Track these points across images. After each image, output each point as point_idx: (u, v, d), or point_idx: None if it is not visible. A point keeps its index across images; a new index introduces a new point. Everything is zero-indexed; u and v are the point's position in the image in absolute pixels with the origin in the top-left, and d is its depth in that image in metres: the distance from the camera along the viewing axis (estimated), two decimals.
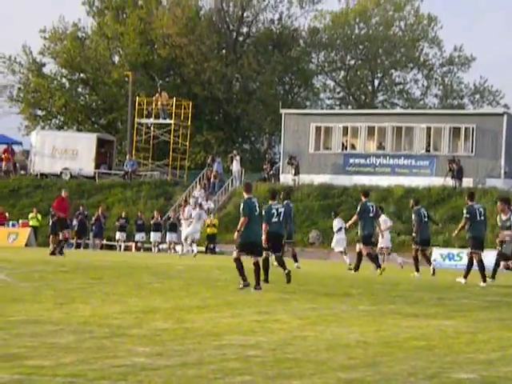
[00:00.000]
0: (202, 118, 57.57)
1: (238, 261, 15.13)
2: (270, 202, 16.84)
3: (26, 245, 41.28)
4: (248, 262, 15.40)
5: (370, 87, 65.16)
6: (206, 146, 60.23)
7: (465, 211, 18.61)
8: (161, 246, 41.05)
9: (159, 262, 25.11)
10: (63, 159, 47.93)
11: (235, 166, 47.00)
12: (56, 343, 7.91)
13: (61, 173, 47.84)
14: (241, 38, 62.58)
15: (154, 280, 16.62)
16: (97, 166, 48.11)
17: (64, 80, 61.25)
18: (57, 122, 61.82)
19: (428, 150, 43.07)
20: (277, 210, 16.62)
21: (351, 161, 44.10)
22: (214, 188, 46.28)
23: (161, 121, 49.49)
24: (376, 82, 65.21)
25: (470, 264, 18.82)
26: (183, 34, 57.71)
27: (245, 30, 62.43)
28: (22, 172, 49.34)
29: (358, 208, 21.44)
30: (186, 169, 49.85)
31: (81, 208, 41.59)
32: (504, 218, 18.66)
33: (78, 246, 41.00)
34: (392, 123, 43.54)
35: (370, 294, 14.92)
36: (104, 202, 45.47)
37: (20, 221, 42.94)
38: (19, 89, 60.20)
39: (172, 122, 48.84)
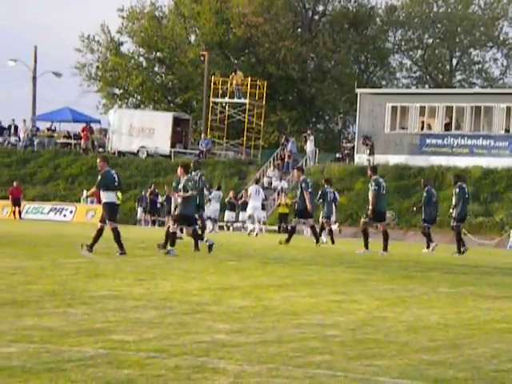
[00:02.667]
0: (276, 98, 57.51)
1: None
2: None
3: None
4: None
5: (447, 66, 64.10)
6: (279, 126, 60.17)
7: (373, 184, 20.86)
8: (235, 225, 41.27)
9: (234, 241, 25.26)
10: (140, 138, 48.49)
11: (309, 146, 46.86)
12: (138, 318, 8.03)
13: (138, 151, 48.43)
14: (316, 17, 62.19)
15: (231, 258, 16.74)
16: (173, 145, 48.53)
17: (141, 59, 61.88)
18: (134, 100, 62.56)
19: (507, 131, 42.20)
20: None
21: (428, 141, 43.52)
22: (287, 168, 46.25)
23: (235, 100, 49.61)
24: (454, 61, 64.12)
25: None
26: (259, 13, 57.62)
27: (321, 8, 62.03)
28: (100, 150, 50.10)
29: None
30: (260, 148, 49.93)
31: (152, 186, 42.10)
32: None
33: (153, 223, 41.55)
34: (470, 103, 42.76)
35: (450, 276, 14.75)
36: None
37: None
38: (97, 67, 61.03)
39: (247, 101, 48.92)
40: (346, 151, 46.68)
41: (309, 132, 48.31)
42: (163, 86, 62.23)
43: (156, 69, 62.65)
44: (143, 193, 42.76)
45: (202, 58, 54.67)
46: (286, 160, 46.59)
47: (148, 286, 10.78)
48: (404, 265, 17.47)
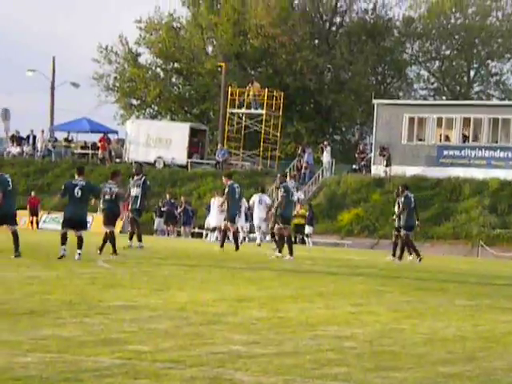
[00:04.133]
0: (293, 109, 57.55)
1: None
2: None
3: (121, 231, 42.14)
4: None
5: (465, 78, 63.96)
6: (296, 137, 60.19)
7: (282, 190, 20.99)
8: (251, 235, 41.25)
9: (249, 251, 25.25)
10: (157, 148, 48.64)
11: (326, 157, 46.84)
12: (154, 329, 8.03)
13: (154, 161, 48.56)
14: (334, 28, 62.26)
15: (247, 269, 16.72)
16: (189, 156, 48.65)
17: (158, 70, 62.12)
18: (151, 111, 62.79)
19: None
20: None
21: (445, 152, 43.40)
22: (304, 178, 46.24)
23: (252, 111, 49.70)
24: (472, 73, 63.97)
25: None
26: (276, 25, 57.75)
27: (338, 19, 62.09)
28: (118, 160, 50.27)
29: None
30: (277, 159, 49.95)
31: (167, 196, 42.18)
32: None
33: (168, 234, 41.60)
34: (488, 115, 42.64)
35: (466, 288, 14.67)
36: (196, 190, 45.99)
37: None
38: (115, 78, 61.33)
39: (263, 112, 48.98)
40: (362, 162, 46.63)
41: (325, 143, 48.30)
42: (180, 96, 62.43)
43: (173, 80, 62.87)
44: (160, 203, 42.86)
45: (219, 69, 54.84)
46: (302, 171, 46.59)
47: (164, 297, 10.79)
48: (421, 276, 17.40)
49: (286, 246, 20.92)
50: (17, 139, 52.04)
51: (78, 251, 16.53)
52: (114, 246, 18.30)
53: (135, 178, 21.71)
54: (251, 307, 10.17)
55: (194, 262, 17.82)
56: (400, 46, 62.20)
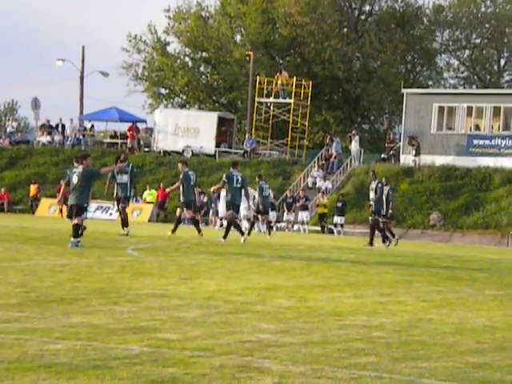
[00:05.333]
0: (321, 98, 57.36)
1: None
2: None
3: (149, 220, 42.34)
4: None
5: (495, 66, 63.35)
6: (324, 126, 60.00)
7: (224, 177, 21.65)
8: (278, 225, 41.25)
9: (278, 241, 25.26)
10: (185, 137, 48.70)
11: (354, 146, 46.66)
12: (183, 317, 8.06)
13: (183, 150, 48.64)
14: (363, 17, 61.91)
15: (275, 258, 16.73)
16: (217, 145, 48.66)
17: (187, 59, 62.14)
18: (179, 100, 62.87)
19: None
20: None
21: (475, 142, 43.05)
22: (332, 168, 46.10)
23: (280, 100, 49.58)
24: (502, 62, 63.34)
25: None
26: (305, 13, 57.53)
27: (367, 8, 61.73)
28: (146, 149, 50.44)
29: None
30: (305, 148, 49.83)
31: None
32: None
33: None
34: None
35: (496, 278, 14.57)
36: None
37: (143, 196, 44.02)
38: (144, 67, 61.46)
39: (291, 101, 48.86)
40: (391, 152, 46.40)
41: (354, 132, 48.10)
42: (208, 85, 62.44)
43: (201, 69, 62.87)
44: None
45: (248, 58, 54.75)
46: (330, 160, 46.44)
47: (192, 285, 10.83)
48: (450, 266, 17.31)
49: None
50: (47, 128, 52.37)
51: (72, 239, 16.24)
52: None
53: (119, 165, 21.60)
54: (279, 296, 10.18)
55: (222, 251, 17.85)
56: (430, 35, 61.71)
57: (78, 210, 16.62)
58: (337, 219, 39.63)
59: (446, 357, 6.73)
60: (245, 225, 33.03)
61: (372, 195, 25.20)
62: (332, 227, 39.98)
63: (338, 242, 26.95)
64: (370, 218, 25.11)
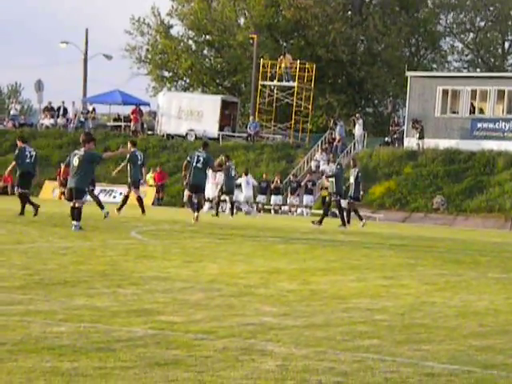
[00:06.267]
0: (325, 81, 57.21)
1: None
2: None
3: (153, 203, 42.35)
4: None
5: (499, 50, 63.11)
6: (328, 109, 59.86)
7: (188, 157, 21.69)
8: (282, 208, 41.28)
9: (282, 224, 25.28)
10: (189, 120, 48.62)
11: (358, 130, 46.58)
12: (186, 300, 8.08)
13: (186, 134, 48.60)
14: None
15: (278, 241, 16.75)
16: (221, 128, 48.60)
17: (190, 42, 61.96)
18: (183, 83, 62.75)
19: None
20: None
21: (479, 125, 42.95)
22: (335, 151, 46.03)
23: (284, 83, 49.46)
24: (506, 45, 63.10)
25: None
26: None
27: None
28: (150, 132, 50.38)
29: None
30: (308, 132, 49.75)
31: None
32: None
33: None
34: None
35: (499, 262, 14.57)
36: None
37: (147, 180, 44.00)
38: (147, 50, 61.31)
39: (295, 84, 48.75)
40: (395, 135, 46.33)
41: (357, 115, 47.99)
42: (212, 68, 62.29)
43: (205, 52, 62.70)
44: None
45: (251, 41, 54.56)
46: (334, 144, 46.39)
47: (196, 268, 10.84)
48: (453, 250, 17.31)
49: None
50: (49, 111, 52.32)
51: (75, 223, 16.19)
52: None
53: (121, 150, 22.25)
54: (282, 279, 10.20)
55: (226, 235, 17.87)
56: (434, 18, 61.45)
57: (77, 194, 16.58)
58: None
59: (448, 340, 6.75)
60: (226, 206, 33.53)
61: (352, 180, 25.98)
62: (334, 210, 39.99)
63: (339, 226, 26.90)
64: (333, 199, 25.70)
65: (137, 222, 20.28)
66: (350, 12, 60.78)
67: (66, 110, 52.47)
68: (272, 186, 41.44)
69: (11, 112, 54.79)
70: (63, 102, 53.00)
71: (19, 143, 21.14)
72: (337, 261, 13.25)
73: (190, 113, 48.61)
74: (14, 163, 20.91)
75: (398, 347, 6.35)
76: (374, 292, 9.51)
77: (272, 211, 41.08)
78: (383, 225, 33.13)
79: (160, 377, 5.06)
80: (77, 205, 16.45)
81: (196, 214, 21.04)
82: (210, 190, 31.80)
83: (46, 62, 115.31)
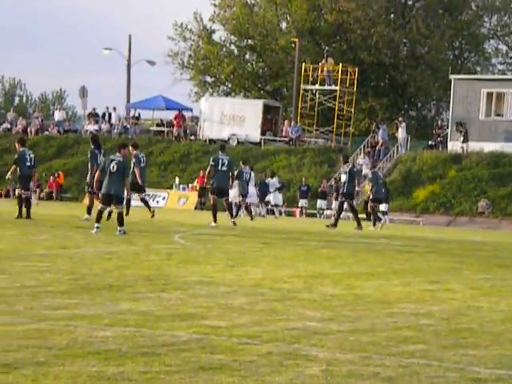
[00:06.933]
0: (367, 84, 56.98)
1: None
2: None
3: (195, 208, 42.54)
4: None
5: None
6: (370, 113, 59.60)
7: (211, 160, 22.25)
8: (326, 213, 41.18)
9: (325, 228, 25.21)
10: (231, 125, 48.76)
11: (401, 133, 46.30)
12: (230, 304, 8.08)
13: (228, 138, 48.74)
14: (410, 2, 61.29)
15: (322, 246, 16.69)
16: (263, 133, 48.65)
17: (232, 47, 62.16)
18: (225, 88, 62.94)
19: None
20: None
21: None
22: (378, 155, 45.82)
23: (326, 87, 49.37)
24: None
25: None
26: None
27: None
28: (192, 137, 50.63)
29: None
30: (351, 135, 49.58)
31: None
32: None
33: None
34: None
35: None
36: (269, 167, 46.03)
37: (190, 185, 44.23)
38: (190, 56, 61.60)
39: (337, 88, 48.62)
40: (439, 138, 45.96)
41: (400, 119, 47.72)
42: (254, 73, 62.38)
43: (247, 56, 62.83)
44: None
45: (293, 45, 54.56)
46: (377, 147, 46.16)
47: (239, 273, 10.85)
48: (499, 254, 17.11)
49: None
50: (94, 117, 52.83)
51: (119, 228, 16.39)
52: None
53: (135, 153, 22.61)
54: (326, 284, 10.16)
55: (268, 239, 17.86)
56: (478, 20, 60.90)
57: (117, 200, 16.77)
58: (381, 207, 39.43)
59: (495, 344, 6.66)
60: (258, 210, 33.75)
61: (344, 178, 25.51)
62: (380, 215, 39.81)
63: (383, 230, 26.80)
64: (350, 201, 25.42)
65: (179, 227, 20.37)
66: (392, 15, 60.48)
67: (110, 116, 52.95)
68: (319, 190, 41.43)
69: (56, 118, 55.42)
70: (107, 108, 53.51)
71: (18, 147, 21.36)
72: (381, 265, 13.17)
73: (232, 118, 48.74)
74: (14, 166, 21.07)
75: (444, 352, 6.29)
76: (418, 297, 9.43)
77: (317, 215, 41.02)
78: (427, 229, 32.87)
79: (205, 381, 5.07)
80: (118, 210, 16.58)
81: (233, 219, 21.40)
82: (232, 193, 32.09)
83: (90, 69, 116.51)
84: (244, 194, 28.46)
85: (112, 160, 16.85)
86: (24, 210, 20.48)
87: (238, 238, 17.79)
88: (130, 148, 23.19)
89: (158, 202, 43.59)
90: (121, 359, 5.49)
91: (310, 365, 5.62)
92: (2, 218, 20.85)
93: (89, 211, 20.94)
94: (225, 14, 60.81)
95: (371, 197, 26.60)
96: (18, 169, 20.87)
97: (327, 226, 25.11)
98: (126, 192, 17.83)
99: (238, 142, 48.59)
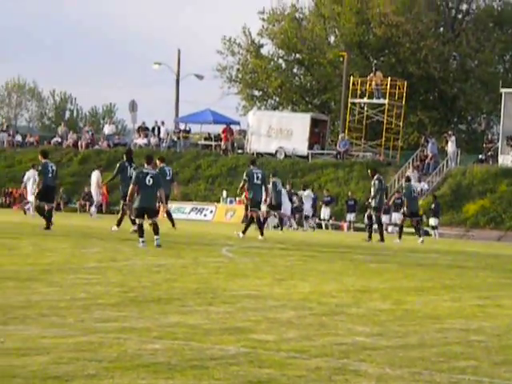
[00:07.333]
0: (416, 98, 56.66)
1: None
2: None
3: (243, 221, 42.57)
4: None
5: None
6: (419, 126, 59.21)
7: (244, 175, 22.27)
8: (375, 227, 40.87)
9: (374, 242, 25.06)
10: (278, 139, 48.80)
11: (450, 147, 45.88)
12: (278, 318, 8.07)
13: (276, 152, 48.78)
14: (460, 16, 60.88)
15: (370, 260, 16.59)
16: (310, 146, 48.61)
17: (280, 61, 62.32)
18: (272, 102, 63.08)
19: None
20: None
21: None
22: (427, 169, 45.45)
23: (374, 101, 49.19)
24: None
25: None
26: (400, 13, 56.93)
27: (464, 7, 60.67)
28: (240, 151, 50.77)
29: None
30: (399, 149, 49.28)
31: (287, 187, 42.27)
32: None
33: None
34: None
35: None
36: (316, 181, 45.94)
37: (237, 198, 44.30)
38: (238, 70, 61.88)
39: (386, 101, 48.41)
40: (489, 152, 45.45)
41: (450, 133, 47.30)
42: (301, 87, 62.42)
43: (295, 70, 62.92)
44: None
45: (341, 59, 54.50)
46: (426, 161, 45.80)
47: (287, 287, 10.83)
48: None
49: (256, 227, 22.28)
50: (143, 131, 53.30)
51: (156, 237, 16.47)
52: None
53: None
54: (374, 299, 10.08)
55: (316, 253, 17.81)
56: None
57: (154, 213, 16.94)
58: (431, 221, 39.12)
59: None
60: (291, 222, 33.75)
61: (372, 191, 25.75)
62: (427, 229, 39.46)
63: (432, 244, 26.55)
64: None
65: (227, 240, 20.41)
66: (442, 28, 60.11)
67: (159, 130, 53.39)
68: (366, 204, 41.18)
69: (106, 132, 56.03)
70: (156, 122, 53.96)
71: (41, 158, 21.66)
72: (430, 280, 13.04)
73: (279, 131, 48.78)
74: (38, 179, 21.44)
75: (495, 368, 6.20)
76: (469, 312, 9.31)
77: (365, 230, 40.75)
78: (477, 244, 32.47)
79: None
80: (155, 221, 16.68)
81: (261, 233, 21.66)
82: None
83: (140, 83, 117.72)
84: (277, 205, 28.47)
85: (147, 174, 16.89)
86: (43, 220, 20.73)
87: (286, 252, 17.76)
88: (157, 161, 23.32)
89: (205, 215, 43.76)
90: (170, 372, 5.50)
91: (359, 380, 5.58)
92: (54, 230, 21.10)
93: (118, 223, 21.16)
94: (273, 29, 61.00)
95: (404, 210, 26.73)
96: (42, 181, 21.13)
97: (368, 240, 25.01)
98: (163, 204, 18.00)
99: (286, 156, 48.59)
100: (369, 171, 27.59)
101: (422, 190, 42.96)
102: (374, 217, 25.82)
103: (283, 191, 30.86)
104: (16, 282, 9.80)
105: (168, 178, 23.25)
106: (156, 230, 16.57)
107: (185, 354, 6.09)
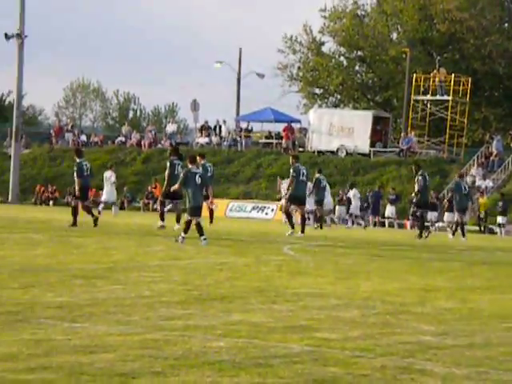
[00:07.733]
0: (480, 94, 55.84)
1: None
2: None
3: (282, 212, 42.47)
4: None
5: None
6: (484, 123, 58.36)
7: (291, 171, 21.67)
8: (437, 225, 40.48)
9: (437, 241, 24.80)
10: (339, 137, 48.59)
11: None
12: (341, 317, 8.04)
13: (337, 150, 48.58)
14: None
15: (434, 258, 16.42)
16: (372, 144, 48.28)
17: (342, 58, 62.04)
18: (333, 100, 62.84)
19: None
20: None
21: None
22: (492, 166, 44.77)
23: (438, 97, 48.63)
24: None
25: None
26: (464, 9, 56.18)
27: None
28: (301, 149, 50.67)
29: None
30: (463, 146, 48.63)
31: (348, 186, 42.03)
32: None
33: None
34: None
35: None
36: (379, 179, 45.61)
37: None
38: (299, 68, 61.80)
39: (450, 98, 47.82)
40: None
41: None
42: (363, 84, 62.05)
43: (356, 67, 62.57)
44: (340, 192, 42.80)
45: (404, 56, 54.02)
46: (491, 159, 45.12)
47: (349, 285, 10.78)
48: None
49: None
50: (205, 129, 53.60)
51: (203, 237, 16.53)
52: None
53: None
54: (439, 297, 9.98)
55: (378, 251, 17.69)
56: None
57: (199, 211, 16.93)
58: (499, 219, 38.56)
59: None
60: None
61: (416, 187, 25.39)
62: (494, 227, 38.91)
63: (499, 243, 26.16)
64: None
65: (289, 238, 20.41)
66: (506, 24, 59.14)
67: (220, 129, 53.62)
68: (429, 202, 40.76)
69: (168, 131, 56.51)
70: (218, 121, 54.21)
71: (76, 157, 21.57)
72: (495, 278, 12.85)
73: (340, 129, 48.55)
74: (77, 179, 21.08)
75: None
76: None
77: (430, 228, 40.36)
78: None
79: None
80: (198, 221, 16.73)
81: (291, 232, 21.35)
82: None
83: (201, 82, 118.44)
84: (320, 201, 28.44)
85: (195, 173, 16.93)
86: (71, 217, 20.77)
87: (347, 250, 17.68)
88: (198, 158, 23.32)
89: (266, 213, 43.82)
90: (235, 370, 5.52)
91: (425, 379, 5.53)
92: (118, 229, 21.38)
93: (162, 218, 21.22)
94: (334, 26, 60.76)
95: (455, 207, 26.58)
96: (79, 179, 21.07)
97: (420, 237, 24.72)
98: (211, 199, 18.08)
99: (347, 153, 48.36)
100: (412, 167, 27.33)
101: (486, 187, 42.34)
102: (417, 213, 25.56)
103: (327, 188, 30.81)
104: (82, 279, 9.95)
105: (209, 174, 23.47)
106: (201, 230, 16.67)
107: (249, 352, 6.11)
